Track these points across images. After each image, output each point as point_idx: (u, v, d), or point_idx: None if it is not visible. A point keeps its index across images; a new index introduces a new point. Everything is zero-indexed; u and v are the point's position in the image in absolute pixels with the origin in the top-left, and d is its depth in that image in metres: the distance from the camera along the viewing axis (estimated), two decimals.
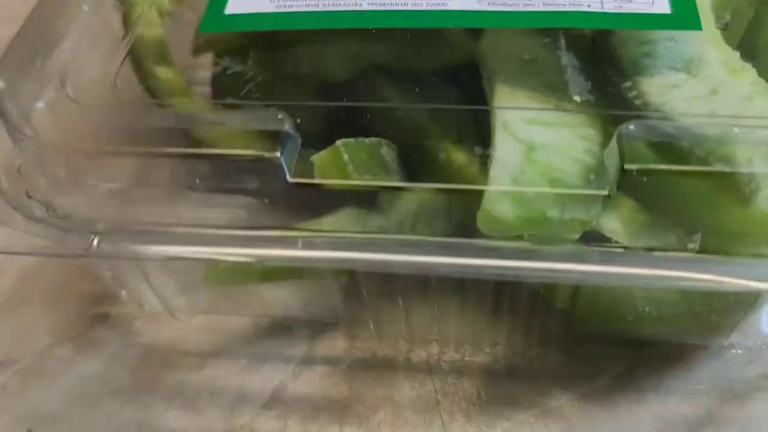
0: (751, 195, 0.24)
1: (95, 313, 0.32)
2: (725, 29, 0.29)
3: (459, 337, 0.29)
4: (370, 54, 0.30)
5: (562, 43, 0.27)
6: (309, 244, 0.24)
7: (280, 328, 0.31)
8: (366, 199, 0.26)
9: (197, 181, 0.23)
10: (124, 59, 0.30)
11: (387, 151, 0.27)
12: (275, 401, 0.29)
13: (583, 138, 0.26)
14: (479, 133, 0.26)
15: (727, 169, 0.23)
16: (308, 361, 0.30)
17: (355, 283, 0.28)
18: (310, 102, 0.28)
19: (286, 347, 0.30)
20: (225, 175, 0.23)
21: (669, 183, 0.24)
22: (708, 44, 0.27)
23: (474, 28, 0.29)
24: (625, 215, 0.25)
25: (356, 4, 0.28)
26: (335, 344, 0.30)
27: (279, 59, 0.31)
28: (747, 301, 0.27)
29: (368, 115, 0.27)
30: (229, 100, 0.28)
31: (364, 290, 0.28)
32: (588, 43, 0.28)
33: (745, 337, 0.28)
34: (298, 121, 0.25)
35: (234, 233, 0.24)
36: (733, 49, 0.28)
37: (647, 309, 0.27)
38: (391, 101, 0.29)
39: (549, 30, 0.28)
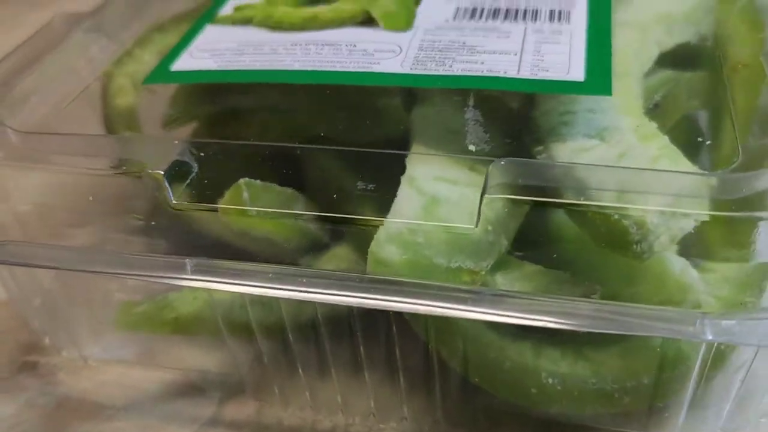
0: (643, 253, 0.23)
1: (25, 361, 0.32)
2: (655, 110, 0.29)
3: (365, 408, 0.28)
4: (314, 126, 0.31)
5: (479, 110, 0.28)
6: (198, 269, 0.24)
7: (193, 388, 0.30)
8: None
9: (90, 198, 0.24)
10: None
11: (303, 207, 0.27)
12: None
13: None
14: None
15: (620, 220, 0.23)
16: (214, 422, 0.29)
17: (257, 345, 0.27)
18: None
19: (195, 407, 0.29)
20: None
21: (563, 242, 0.24)
22: (624, 115, 0.27)
23: (408, 103, 0.29)
24: (523, 275, 0.25)
25: (289, 65, 0.29)
26: (243, 409, 0.29)
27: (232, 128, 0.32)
28: (669, 384, 0.25)
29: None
30: None
31: (265, 354, 0.28)
32: (507, 110, 0.28)
33: None
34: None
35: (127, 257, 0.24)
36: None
37: (551, 381, 0.25)
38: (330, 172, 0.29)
39: (471, 97, 0.28)
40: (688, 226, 0.23)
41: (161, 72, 0.30)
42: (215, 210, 0.24)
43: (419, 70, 0.28)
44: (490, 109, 0.28)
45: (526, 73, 0.27)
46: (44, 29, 0.33)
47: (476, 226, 0.23)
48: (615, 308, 0.21)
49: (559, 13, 0.30)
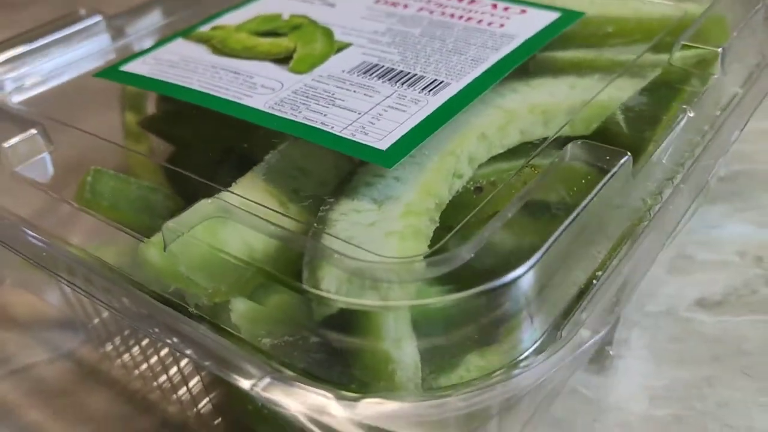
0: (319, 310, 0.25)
1: None
2: (477, 192, 0.30)
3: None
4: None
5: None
6: None
7: (70, 322, 0.36)
8: None
9: None
10: None
11: (162, 201, 0.32)
12: (23, 372, 0.34)
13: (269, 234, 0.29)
14: None
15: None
16: (68, 355, 0.35)
17: None
18: None
19: (62, 338, 0.36)
20: None
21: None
22: (415, 191, 0.28)
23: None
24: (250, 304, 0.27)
25: (191, 83, 0.34)
26: (93, 352, 0.35)
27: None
28: None
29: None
30: None
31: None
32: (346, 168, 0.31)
33: None
34: None
35: None
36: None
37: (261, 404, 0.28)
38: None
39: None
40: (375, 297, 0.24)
41: (112, 70, 0.37)
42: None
43: (273, 111, 0.32)
44: (321, 156, 0.31)
45: (347, 133, 0.30)
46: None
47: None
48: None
49: (438, 84, 0.32)
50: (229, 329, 0.26)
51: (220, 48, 0.37)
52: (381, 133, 0.30)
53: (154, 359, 0.33)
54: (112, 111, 0.40)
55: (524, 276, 0.22)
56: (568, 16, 0.38)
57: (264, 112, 0.32)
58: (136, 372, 0.33)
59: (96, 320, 0.35)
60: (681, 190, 0.27)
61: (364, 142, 0.29)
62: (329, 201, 0.29)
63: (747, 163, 0.43)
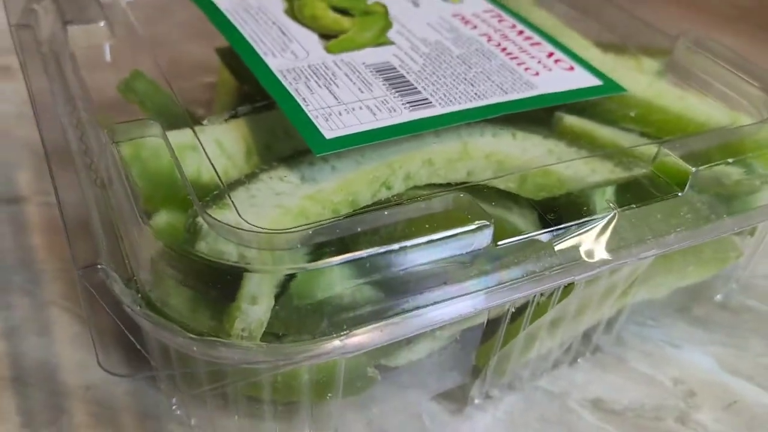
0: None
1: None
2: None
3: None
4: None
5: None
6: None
7: None
8: None
9: None
10: None
11: (175, 112, 0.38)
12: None
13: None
14: None
15: None
16: None
17: None
18: None
19: None
20: None
21: None
22: (332, 181, 0.32)
23: None
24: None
25: (244, 27, 0.39)
26: None
27: None
28: None
29: None
30: None
31: None
32: None
33: None
34: None
35: None
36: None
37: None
38: None
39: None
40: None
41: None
42: None
43: (279, 75, 0.36)
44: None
45: (312, 114, 0.33)
46: None
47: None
48: None
49: (423, 102, 0.35)
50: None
51: (294, 9, 0.42)
52: (339, 124, 0.33)
53: None
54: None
55: None
56: (609, 87, 0.38)
57: (272, 73, 0.36)
58: None
59: None
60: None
61: (317, 126, 0.33)
62: (273, 164, 0.33)
63: (756, 300, 0.41)
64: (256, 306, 0.27)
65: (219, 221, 0.27)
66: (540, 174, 0.33)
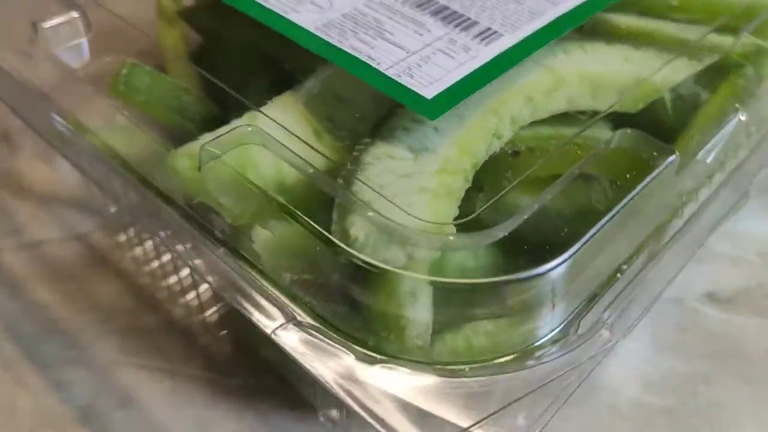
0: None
1: None
2: (513, 156, 0.29)
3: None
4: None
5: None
6: None
7: (87, 205, 0.36)
8: None
9: None
10: None
11: (193, 103, 0.32)
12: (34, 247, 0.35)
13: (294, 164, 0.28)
14: None
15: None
16: (80, 238, 0.35)
17: None
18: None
19: (77, 220, 0.36)
20: None
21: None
22: (453, 146, 0.28)
23: None
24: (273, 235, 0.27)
25: None
26: (105, 239, 0.35)
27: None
28: None
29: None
30: None
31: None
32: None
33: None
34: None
35: None
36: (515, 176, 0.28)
37: None
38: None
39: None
40: (401, 257, 0.24)
41: None
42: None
43: (321, 33, 0.30)
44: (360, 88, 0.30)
45: (392, 72, 0.29)
46: None
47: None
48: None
49: (492, 33, 0.31)
50: (248, 257, 0.26)
51: None
52: (427, 78, 0.29)
53: (166, 258, 0.33)
54: None
55: (557, 268, 0.22)
56: None
57: (310, 33, 0.31)
58: (147, 268, 0.34)
59: (113, 209, 0.35)
60: (719, 194, 0.27)
61: (409, 86, 0.28)
62: (365, 141, 0.28)
63: None
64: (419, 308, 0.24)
65: (391, 220, 0.23)
66: (640, 87, 0.31)
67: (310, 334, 0.22)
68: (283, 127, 0.28)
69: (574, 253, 0.22)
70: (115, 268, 0.34)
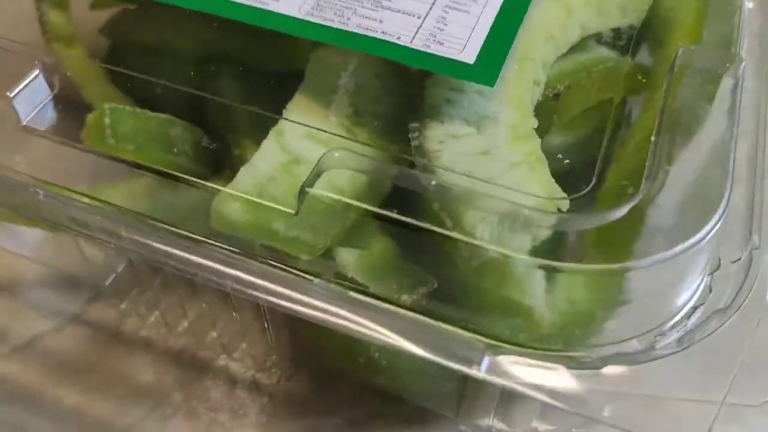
0: (470, 258, 0.23)
1: None
2: (554, 99, 0.28)
3: (212, 338, 0.29)
4: (219, 41, 0.31)
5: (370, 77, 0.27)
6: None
7: (66, 282, 0.31)
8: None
9: None
10: None
11: (181, 133, 0.27)
12: (29, 347, 0.29)
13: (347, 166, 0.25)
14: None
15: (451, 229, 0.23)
16: (75, 319, 0.30)
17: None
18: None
19: (62, 301, 0.30)
20: None
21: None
22: (507, 107, 0.26)
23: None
24: (367, 252, 0.25)
25: None
26: (107, 312, 0.30)
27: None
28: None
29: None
30: None
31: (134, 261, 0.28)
32: (403, 73, 0.27)
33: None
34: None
35: None
36: (562, 120, 0.27)
37: (378, 356, 0.26)
38: (227, 92, 0.29)
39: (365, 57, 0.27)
40: (527, 242, 0.23)
41: None
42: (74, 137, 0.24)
43: (315, 18, 0.27)
44: (385, 69, 0.27)
45: (419, 44, 0.26)
46: None
47: (296, 214, 0.23)
48: (420, 323, 0.22)
49: None
50: (344, 283, 0.23)
51: None
52: (457, 41, 0.26)
53: (193, 312, 0.29)
54: None
55: (707, 238, 0.21)
56: None
57: (301, 20, 0.27)
58: (180, 328, 0.29)
59: (113, 275, 0.30)
60: None
61: (446, 55, 0.26)
62: (414, 127, 0.26)
63: None
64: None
65: (513, 203, 0.22)
66: None
67: (514, 361, 0.20)
68: (311, 134, 0.25)
69: (721, 216, 0.21)
70: (135, 340, 0.30)
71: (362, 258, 0.24)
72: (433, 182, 0.23)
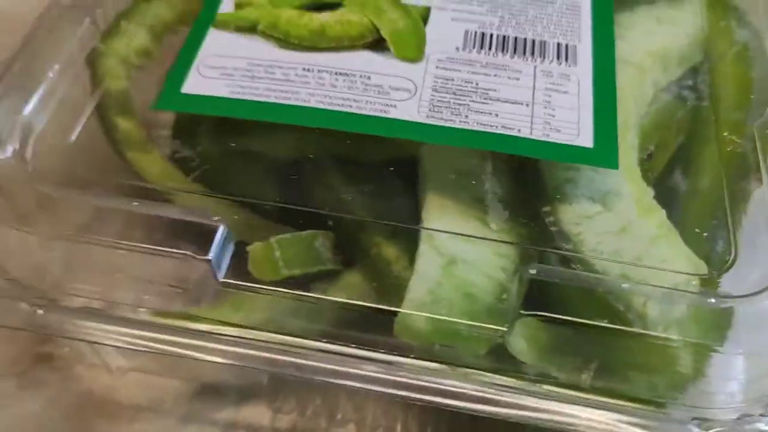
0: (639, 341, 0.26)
1: (39, 352, 0.33)
2: (648, 160, 0.31)
3: (375, 421, 0.31)
4: (317, 141, 0.32)
5: (490, 163, 0.29)
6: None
7: (210, 390, 0.32)
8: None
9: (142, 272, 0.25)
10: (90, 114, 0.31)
11: (322, 242, 0.29)
12: None
13: (501, 255, 0.28)
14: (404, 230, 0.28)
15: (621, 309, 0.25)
16: (232, 426, 0.31)
17: None
18: (254, 187, 0.30)
19: (213, 410, 0.32)
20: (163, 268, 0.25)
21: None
22: (625, 180, 0.29)
23: None
24: (530, 336, 0.27)
25: (305, 100, 0.29)
26: (259, 412, 0.32)
27: (228, 138, 0.32)
28: None
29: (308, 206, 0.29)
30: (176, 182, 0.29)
31: None
32: (516, 161, 0.29)
33: None
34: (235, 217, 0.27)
35: (164, 322, 0.25)
36: (654, 179, 0.30)
37: None
38: (334, 188, 0.31)
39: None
40: (681, 313, 0.26)
41: (171, 95, 0.30)
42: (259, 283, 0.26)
43: (435, 120, 0.29)
44: (503, 158, 0.29)
45: (538, 134, 0.28)
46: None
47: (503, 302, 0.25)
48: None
49: (566, 48, 0.31)
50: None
51: (282, 38, 0.32)
52: (570, 126, 0.29)
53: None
54: None
55: None
56: None
57: (423, 124, 0.29)
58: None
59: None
60: None
61: (565, 143, 0.28)
62: (545, 212, 0.29)
63: None
64: None
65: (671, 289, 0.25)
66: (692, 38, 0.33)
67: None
68: (473, 236, 0.28)
69: None
70: None
71: (532, 343, 0.27)
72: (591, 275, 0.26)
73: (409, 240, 0.28)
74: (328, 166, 0.31)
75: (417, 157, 0.30)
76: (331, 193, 0.30)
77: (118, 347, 0.26)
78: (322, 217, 0.28)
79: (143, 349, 0.25)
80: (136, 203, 0.26)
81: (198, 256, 0.24)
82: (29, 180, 0.27)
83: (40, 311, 0.26)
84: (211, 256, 0.24)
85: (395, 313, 0.26)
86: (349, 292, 0.28)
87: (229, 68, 0.30)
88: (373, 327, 0.27)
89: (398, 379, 0.26)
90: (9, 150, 0.28)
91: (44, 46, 0.32)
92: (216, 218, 0.26)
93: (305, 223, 0.28)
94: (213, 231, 0.24)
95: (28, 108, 0.30)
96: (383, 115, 0.29)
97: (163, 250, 0.24)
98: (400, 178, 0.31)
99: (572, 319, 0.24)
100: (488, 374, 0.26)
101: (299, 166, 0.31)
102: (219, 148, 0.31)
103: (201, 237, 0.24)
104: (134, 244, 0.24)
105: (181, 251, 0.24)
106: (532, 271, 0.25)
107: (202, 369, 0.33)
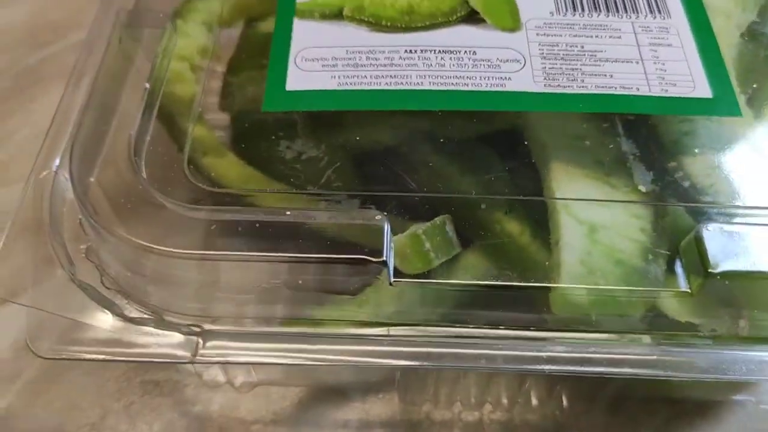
0: None
1: (144, 380, 0.32)
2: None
3: (510, 394, 0.31)
4: (415, 120, 0.31)
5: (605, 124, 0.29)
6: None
7: (331, 392, 0.32)
8: None
9: (299, 282, 0.24)
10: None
11: (450, 227, 0.28)
12: None
13: (636, 217, 0.28)
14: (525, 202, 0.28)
15: None
16: (366, 425, 0.31)
17: None
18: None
19: (341, 411, 0.31)
20: (327, 275, 0.24)
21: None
22: (741, 124, 0.29)
23: None
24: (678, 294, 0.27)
25: (417, 83, 0.28)
26: (389, 407, 0.31)
27: (328, 130, 0.31)
28: None
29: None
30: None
31: None
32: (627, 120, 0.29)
33: None
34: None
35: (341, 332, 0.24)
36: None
37: None
38: (436, 167, 0.30)
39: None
40: None
41: (278, 95, 0.28)
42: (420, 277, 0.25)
43: (553, 88, 0.28)
44: (617, 118, 0.29)
45: (656, 90, 0.28)
46: None
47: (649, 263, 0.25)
48: None
49: (656, 0, 0.31)
50: None
51: (372, 21, 0.31)
52: (685, 78, 0.29)
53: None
54: None
55: None
56: None
57: (542, 93, 0.29)
58: None
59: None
60: None
61: (686, 96, 0.29)
62: (671, 167, 0.29)
63: None
64: None
65: None
66: None
67: None
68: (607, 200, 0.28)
69: None
70: None
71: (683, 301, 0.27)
72: None
73: (528, 212, 0.28)
74: (425, 147, 0.30)
75: (518, 128, 0.29)
76: (438, 175, 0.30)
77: (280, 364, 0.25)
78: (436, 201, 0.28)
79: (300, 362, 0.24)
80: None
81: (374, 259, 0.23)
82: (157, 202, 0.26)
83: (199, 339, 0.24)
84: (385, 257, 0.23)
85: (547, 289, 0.26)
86: (472, 272, 0.28)
87: (329, 59, 0.29)
88: (509, 305, 0.27)
89: (578, 355, 0.25)
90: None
91: None
92: (378, 217, 0.25)
93: (421, 210, 0.27)
94: (380, 231, 0.24)
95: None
96: (501, 89, 0.28)
97: (336, 258, 0.23)
98: (497, 151, 0.30)
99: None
100: (651, 336, 0.26)
101: (396, 151, 0.30)
102: (339, 144, 0.30)
103: (370, 237, 0.23)
104: (305, 255, 0.23)
105: (356, 256, 0.23)
106: (710, 229, 0.25)
107: (319, 372, 0.32)
